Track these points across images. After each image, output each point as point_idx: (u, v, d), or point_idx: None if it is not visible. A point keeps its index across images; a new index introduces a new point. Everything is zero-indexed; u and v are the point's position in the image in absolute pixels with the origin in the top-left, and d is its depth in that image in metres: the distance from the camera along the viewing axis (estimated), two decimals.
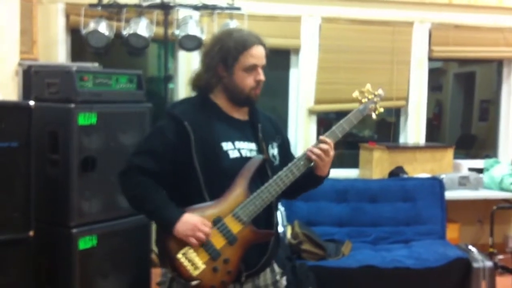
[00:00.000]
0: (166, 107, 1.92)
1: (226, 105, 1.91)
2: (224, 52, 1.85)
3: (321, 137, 1.89)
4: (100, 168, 2.85)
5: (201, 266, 1.76)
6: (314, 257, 3.48)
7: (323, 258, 3.51)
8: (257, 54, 1.87)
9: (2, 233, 2.51)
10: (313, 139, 4.42)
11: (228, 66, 1.85)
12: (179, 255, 1.76)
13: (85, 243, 2.78)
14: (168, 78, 4.01)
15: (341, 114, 1.98)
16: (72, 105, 2.78)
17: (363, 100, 1.99)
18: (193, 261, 1.76)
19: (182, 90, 4.32)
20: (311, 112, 4.58)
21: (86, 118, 2.81)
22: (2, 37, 3.23)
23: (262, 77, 1.89)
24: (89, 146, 2.83)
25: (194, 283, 1.76)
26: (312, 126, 4.59)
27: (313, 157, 1.86)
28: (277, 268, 2.00)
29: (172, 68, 4.35)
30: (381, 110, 2.04)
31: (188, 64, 4.31)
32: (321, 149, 1.86)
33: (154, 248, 3.22)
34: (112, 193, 2.85)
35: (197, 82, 1.93)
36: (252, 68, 1.86)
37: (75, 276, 2.75)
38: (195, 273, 1.76)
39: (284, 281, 2.01)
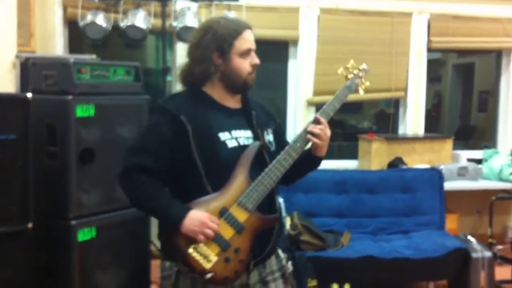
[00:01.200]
0: (156, 103, 1.91)
1: (220, 94, 1.90)
2: (218, 40, 1.85)
3: (317, 116, 1.90)
4: (99, 160, 2.84)
5: (213, 258, 1.77)
6: (313, 248, 3.49)
7: (323, 248, 3.51)
8: (250, 38, 1.89)
9: (0, 226, 2.50)
10: None
11: (224, 53, 1.85)
12: (190, 250, 1.76)
13: (84, 235, 2.77)
14: (166, 70, 3.99)
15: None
16: (70, 97, 2.76)
17: (349, 76, 2.01)
18: (204, 255, 1.77)
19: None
20: (309, 103, 4.57)
21: (84, 110, 2.79)
22: None
23: (257, 60, 1.90)
24: (87, 138, 2.81)
25: (208, 276, 1.77)
26: (311, 117, 4.55)
27: (314, 139, 1.87)
28: (282, 254, 2.02)
29: (170, 60, 4.34)
30: (367, 84, 2.05)
31: (186, 56, 4.29)
32: (318, 128, 1.87)
33: (154, 240, 3.22)
34: (111, 184, 2.83)
35: (188, 75, 1.91)
36: (247, 53, 1.87)
37: (74, 268, 2.74)
38: (208, 266, 1.77)
39: (290, 266, 2.04)
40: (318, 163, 1.98)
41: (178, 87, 4.30)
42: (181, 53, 4.33)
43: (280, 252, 2.01)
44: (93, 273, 2.83)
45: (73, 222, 2.75)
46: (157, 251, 3.75)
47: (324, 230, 3.71)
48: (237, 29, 1.87)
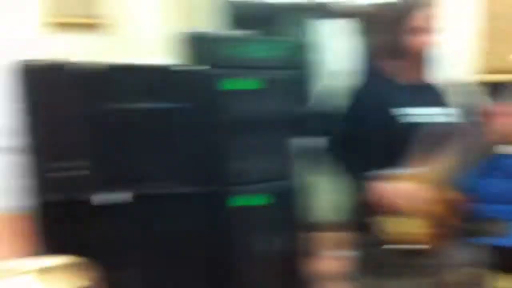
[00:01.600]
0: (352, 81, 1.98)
1: (400, 71, 1.91)
2: (396, 16, 1.87)
3: (498, 104, 1.89)
4: (255, 132, 2.94)
5: (403, 230, 1.76)
6: (486, 235, 3.20)
7: (496, 235, 3.23)
8: (425, 16, 1.89)
9: (163, 188, 2.68)
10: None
11: (400, 30, 1.87)
12: (379, 219, 1.78)
13: (241, 202, 2.87)
14: (312, 46, 3.94)
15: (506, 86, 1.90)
16: (226, 71, 2.90)
17: None
18: (393, 226, 1.77)
19: (329, 59, 4.21)
20: (476, 83, 4.26)
21: (239, 84, 2.91)
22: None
23: (428, 39, 1.90)
24: (244, 110, 2.92)
25: (396, 246, 1.77)
26: (472, 98, 4.26)
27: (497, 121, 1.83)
28: (467, 242, 1.95)
29: (310, 37, 4.26)
30: None
31: (333, 33, 4.21)
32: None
33: (315, 211, 3.15)
34: (267, 156, 2.95)
35: (371, 51, 1.99)
36: (420, 31, 1.88)
37: (232, 234, 2.87)
38: (396, 238, 1.76)
39: (479, 254, 2.02)
40: (491, 148, 1.92)
41: (327, 63, 4.23)
42: (320, 30, 4.26)
43: (466, 239, 1.95)
44: (248, 240, 2.92)
45: (230, 189, 2.86)
46: (316, 223, 3.69)
47: (492, 217, 3.40)
48: (413, 6, 1.88)
